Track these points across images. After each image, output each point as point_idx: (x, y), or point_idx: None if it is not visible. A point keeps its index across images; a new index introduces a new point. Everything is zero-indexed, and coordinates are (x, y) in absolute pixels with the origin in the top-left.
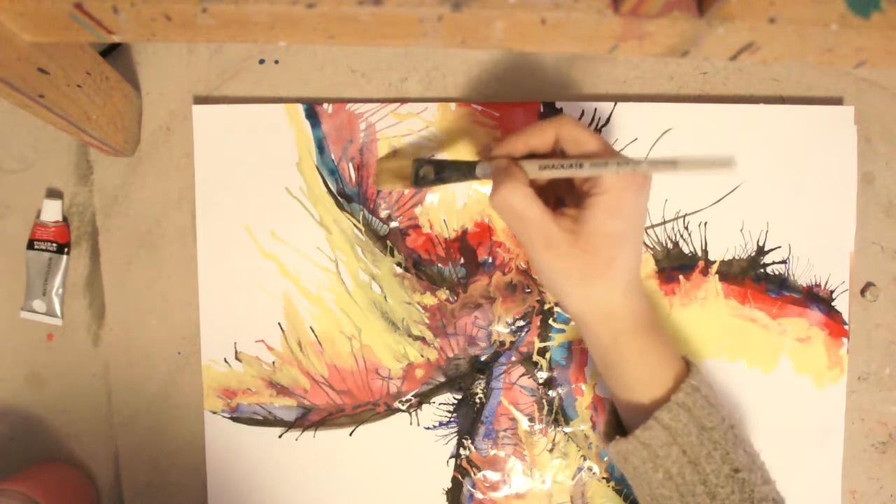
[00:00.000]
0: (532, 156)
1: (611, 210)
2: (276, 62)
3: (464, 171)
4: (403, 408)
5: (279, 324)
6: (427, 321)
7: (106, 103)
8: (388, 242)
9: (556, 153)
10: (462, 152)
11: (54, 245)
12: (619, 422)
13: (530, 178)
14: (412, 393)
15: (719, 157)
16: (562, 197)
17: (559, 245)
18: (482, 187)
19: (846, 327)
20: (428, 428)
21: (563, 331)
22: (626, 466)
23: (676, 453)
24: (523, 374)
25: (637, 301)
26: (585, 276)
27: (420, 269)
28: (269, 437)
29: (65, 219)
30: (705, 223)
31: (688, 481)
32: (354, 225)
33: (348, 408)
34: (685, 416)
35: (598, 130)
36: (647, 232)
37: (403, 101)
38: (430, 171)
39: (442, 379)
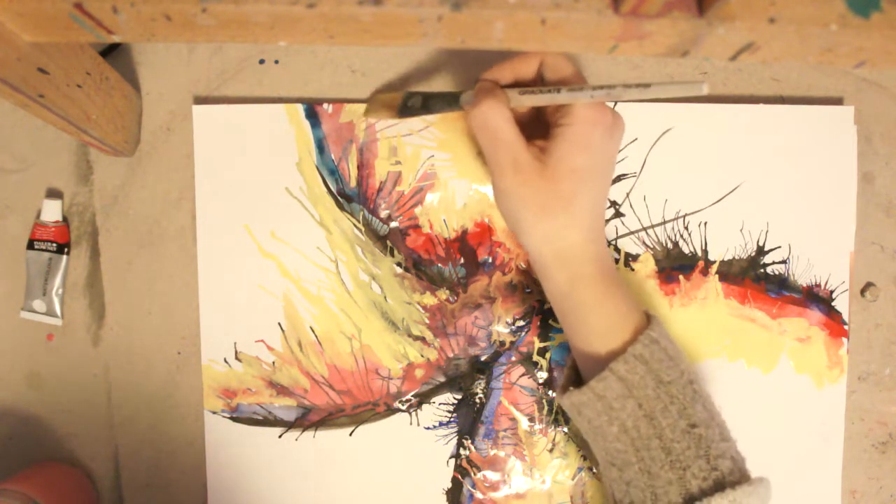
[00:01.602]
0: (516, 85)
1: (577, 143)
2: (276, 62)
3: (449, 100)
4: (403, 408)
5: (279, 324)
6: (427, 321)
7: (106, 103)
8: (388, 242)
9: (539, 83)
10: (462, 152)
11: (54, 245)
12: (578, 377)
13: (511, 107)
14: (412, 393)
15: (691, 79)
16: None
17: (526, 171)
18: (482, 187)
19: (846, 327)
20: (428, 428)
21: (563, 331)
22: (581, 420)
23: (632, 406)
24: (523, 374)
25: (597, 248)
26: (546, 207)
27: (420, 269)
28: (269, 437)
29: (65, 219)
30: (705, 223)
31: (643, 435)
32: (354, 225)
33: (348, 408)
34: (642, 369)
35: None
36: (646, 232)
37: None
38: (417, 100)
39: (442, 379)
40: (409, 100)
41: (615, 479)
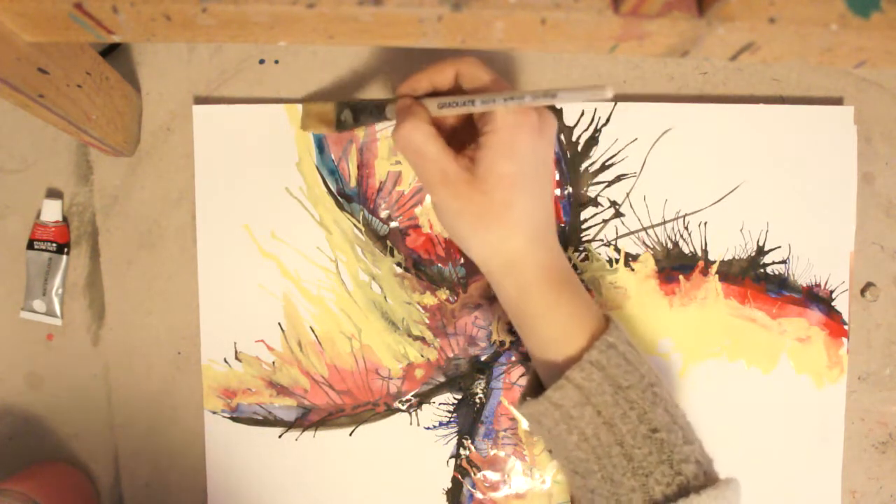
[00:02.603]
0: (435, 94)
1: (502, 150)
2: (276, 62)
3: (376, 112)
4: (403, 408)
5: (279, 324)
6: (427, 321)
7: (106, 103)
8: (388, 242)
9: (457, 91)
10: None
11: (54, 245)
12: (540, 385)
13: (433, 117)
14: (412, 393)
15: (596, 85)
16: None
17: (456, 183)
18: None
19: (846, 327)
20: (428, 428)
21: None
22: (541, 430)
23: (590, 414)
24: (523, 374)
25: (544, 253)
26: (481, 218)
27: (420, 269)
28: (269, 437)
29: (65, 219)
30: (705, 223)
31: (603, 443)
32: (354, 225)
33: (348, 408)
34: (599, 375)
35: (598, 130)
36: (646, 232)
37: None
38: (349, 115)
39: (442, 379)
40: (341, 113)
41: (579, 486)
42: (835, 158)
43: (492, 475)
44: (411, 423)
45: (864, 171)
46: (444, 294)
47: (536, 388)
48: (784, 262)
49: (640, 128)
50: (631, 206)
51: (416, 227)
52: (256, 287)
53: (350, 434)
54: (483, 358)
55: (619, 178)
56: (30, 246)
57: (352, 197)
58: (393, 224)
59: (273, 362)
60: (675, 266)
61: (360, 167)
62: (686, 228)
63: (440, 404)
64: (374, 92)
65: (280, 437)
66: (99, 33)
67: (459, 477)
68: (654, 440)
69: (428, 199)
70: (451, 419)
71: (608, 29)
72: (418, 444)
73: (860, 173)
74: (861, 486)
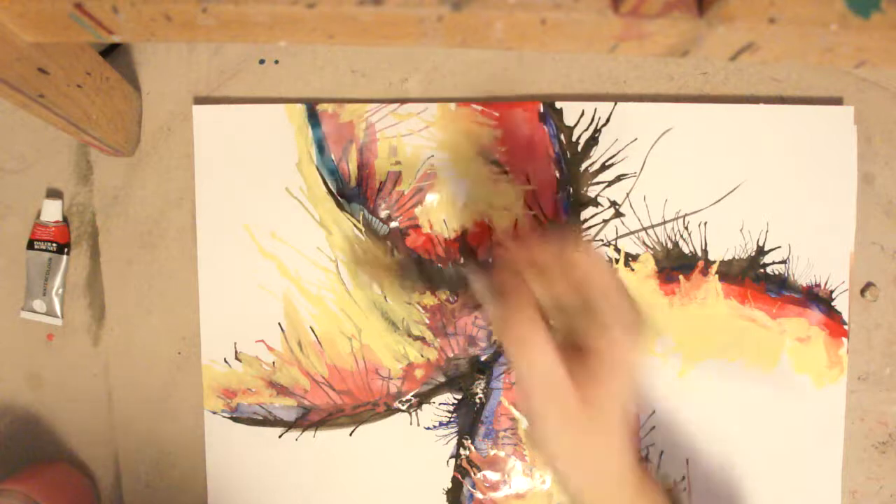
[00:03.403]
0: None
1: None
2: (276, 62)
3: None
4: (403, 408)
5: (279, 324)
6: (427, 321)
7: (106, 103)
8: (389, 242)
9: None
10: (462, 152)
11: (54, 245)
12: None
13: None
14: (412, 393)
15: None
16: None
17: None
18: (482, 188)
19: (846, 327)
20: (428, 428)
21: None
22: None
23: None
24: None
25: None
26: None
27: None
28: (269, 437)
29: (65, 219)
30: (705, 223)
31: None
32: (354, 225)
33: (348, 408)
34: None
35: (598, 130)
36: (646, 232)
37: (403, 101)
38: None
39: (442, 379)
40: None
41: None
42: (835, 158)
43: (492, 475)
44: (411, 423)
45: (864, 171)
46: (444, 294)
47: None
48: (784, 262)
49: (640, 128)
50: (631, 206)
51: (416, 227)
52: (256, 287)
53: (350, 434)
54: (483, 358)
55: (619, 178)
56: (30, 246)
57: (352, 197)
58: (393, 224)
59: (273, 362)
60: (675, 266)
61: (360, 167)
62: (686, 228)
63: (440, 404)
64: (374, 91)
65: (280, 437)
66: (99, 33)
67: (459, 477)
68: None
69: (427, 198)
70: (451, 419)
71: (608, 29)
72: (418, 444)
73: (860, 173)
74: (861, 486)
